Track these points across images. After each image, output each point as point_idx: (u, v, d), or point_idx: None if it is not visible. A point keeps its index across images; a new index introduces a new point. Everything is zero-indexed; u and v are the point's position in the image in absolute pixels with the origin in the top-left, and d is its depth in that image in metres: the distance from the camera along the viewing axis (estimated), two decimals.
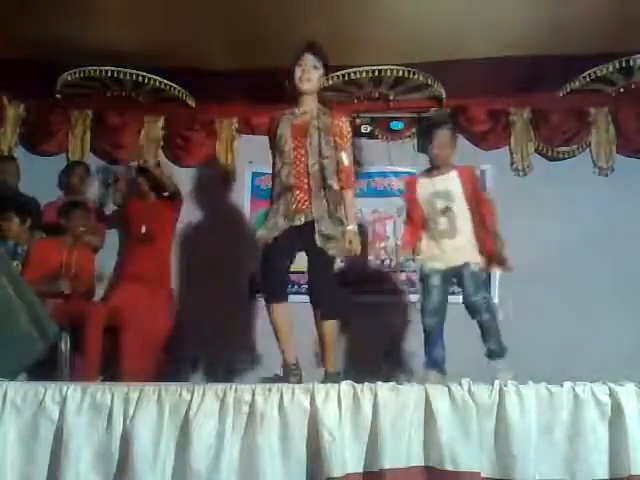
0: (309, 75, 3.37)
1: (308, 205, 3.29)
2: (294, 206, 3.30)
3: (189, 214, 5.25)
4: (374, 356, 4.69)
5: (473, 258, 3.49)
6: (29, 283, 4.12)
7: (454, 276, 3.53)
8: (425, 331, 3.53)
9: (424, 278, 3.57)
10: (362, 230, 4.72)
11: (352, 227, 3.32)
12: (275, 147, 3.41)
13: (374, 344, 4.89)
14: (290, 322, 3.33)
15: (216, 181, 5.46)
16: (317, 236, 3.24)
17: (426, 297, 3.54)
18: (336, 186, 3.32)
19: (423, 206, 3.60)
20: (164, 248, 4.80)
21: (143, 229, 4.70)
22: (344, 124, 3.38)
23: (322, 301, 3.25)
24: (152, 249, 4.67)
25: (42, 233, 4.65)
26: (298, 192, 3.30)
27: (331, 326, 3.28)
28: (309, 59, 3.39)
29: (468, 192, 3.55)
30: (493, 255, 3.54)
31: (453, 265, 3.49)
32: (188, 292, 5.12)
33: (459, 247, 3.51)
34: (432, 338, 3.52)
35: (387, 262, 5.45)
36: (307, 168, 3.29)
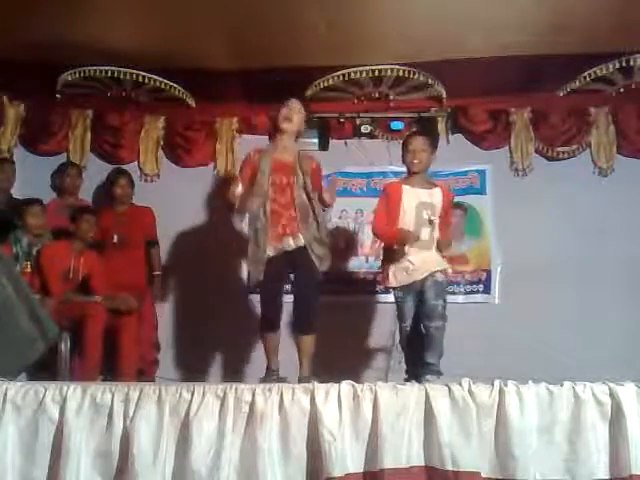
0: (292, 115, 3.76)
1: (296, 231, 3.64)
2: (279, 232, 3.63)
3: (188, 214, 5.26)
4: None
5: (439, 267, 3.53)
6: (47, 286, 4.19)
7: (418, 289, 3.54)
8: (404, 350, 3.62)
9: (399, 301, 3.60)
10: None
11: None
12: (254, 182, 3.69)
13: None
14: (279, 342, 3.69)
15: (216, 181, 5.46)
16: (314, 257, 3.63)
17: (402, 320, 3.60)
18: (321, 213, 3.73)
19: (408, 214, 3.60)
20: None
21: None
22: (319, 169, 3.84)
23: (308, 318, 3.63)
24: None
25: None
26: (283, 220, 3.65)
27: (312, 340, 3.63)
28: (296, 103, 3.84)
29: (445, 205, 3.67)
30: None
31: (420, 278, 3.51)
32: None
33: (430, 259, 3.56)
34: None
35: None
36: (293, 200, 3.66)
